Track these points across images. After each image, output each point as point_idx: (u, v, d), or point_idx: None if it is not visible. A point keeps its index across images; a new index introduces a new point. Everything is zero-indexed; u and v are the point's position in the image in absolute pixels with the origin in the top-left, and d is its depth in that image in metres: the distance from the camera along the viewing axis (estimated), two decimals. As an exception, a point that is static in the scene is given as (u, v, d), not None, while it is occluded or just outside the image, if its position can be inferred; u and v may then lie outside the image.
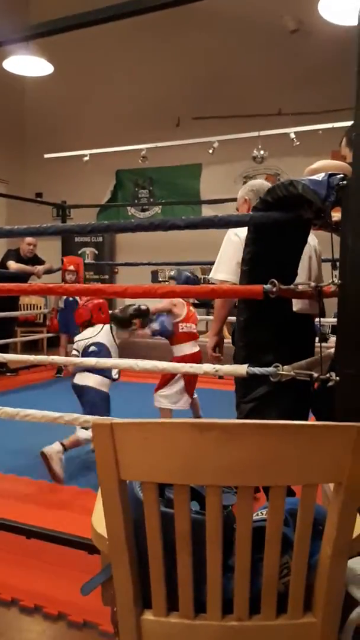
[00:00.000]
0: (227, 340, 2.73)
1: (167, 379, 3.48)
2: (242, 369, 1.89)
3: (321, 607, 1.00)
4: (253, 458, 0.88)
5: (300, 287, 1.85)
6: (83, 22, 2.02)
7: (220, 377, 4.05)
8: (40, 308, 7.61)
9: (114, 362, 2.50)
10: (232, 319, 2.19)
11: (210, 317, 4.96)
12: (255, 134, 5.64)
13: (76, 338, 3.31)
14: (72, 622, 1.81)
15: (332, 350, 1.80)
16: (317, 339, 2.23)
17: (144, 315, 3.52)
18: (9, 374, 5.97)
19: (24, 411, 2.15)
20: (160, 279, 7.47)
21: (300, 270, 2.05)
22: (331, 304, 1.80)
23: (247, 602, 0.99)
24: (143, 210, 8.27)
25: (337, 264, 1.62)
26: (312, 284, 1.86)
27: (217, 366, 2.06)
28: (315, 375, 1.73)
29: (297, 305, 2.23)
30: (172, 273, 3.93)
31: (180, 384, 3.45)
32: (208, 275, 2.96)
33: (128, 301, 4.34)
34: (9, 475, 3.04)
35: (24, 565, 2.14)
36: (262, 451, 0.88)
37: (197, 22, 6.25)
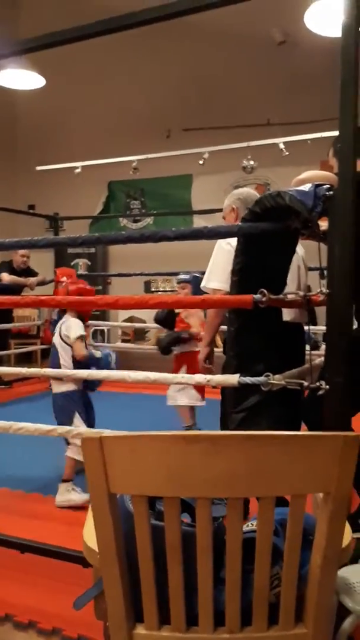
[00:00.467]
0: (218, 349, 2.74)
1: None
2: (234, 378, 1.89)
3: (312, 618, 1.00)
4: (241, 469, 0.89)
5: (289, 296, 1.87)
6: (74, 37, 2.04)
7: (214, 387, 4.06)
8: (34, 320, 7.60)
9: (105, 373, 2.50)
10: (225, 327, 2.20)
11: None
12: (245, 144, 5.68)
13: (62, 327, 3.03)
14: (66, 637, 1.80)
15: (323, 358, 1.81)
16: (307, 347, 2.25)
17: (182, 342, 3.60)
18: (2, 386, 5.94)
19: (17, 424, 2.15)
20: (153, 289, 7.48)
21: (289, 280, 2.07)
22: (324, 312, 1.81)
23: (238, 614, 0.99)
24: (135, 221, 8.29)
25: (325, 272, 1.63)
26: (301, 293, 1.87)
27: (209, 376, 2.07)
28: (306, 384, 1.74)
29: (288, 315, 2.24)
30: (184, 276, 3.88)
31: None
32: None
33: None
34: (2, 488, 3.02)
35: (18, 580, 2.12)
36: (250, 462, 0.89)
37: (186, 35, 6.31)
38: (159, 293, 7.21)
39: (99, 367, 2.89)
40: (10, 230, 7.56)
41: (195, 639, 1.00)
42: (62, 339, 2.96)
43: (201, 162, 5.76)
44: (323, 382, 1.64)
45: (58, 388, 2.94)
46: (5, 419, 2.20)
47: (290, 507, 0.95)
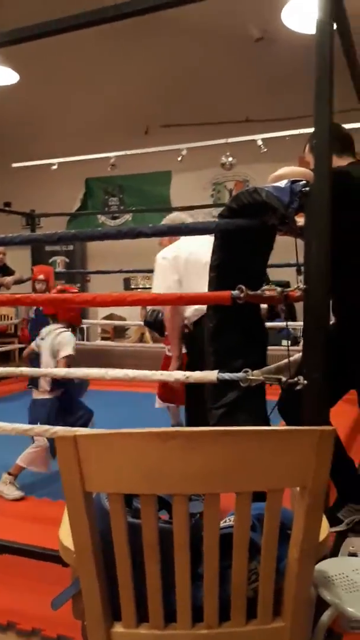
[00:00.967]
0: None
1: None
2: (212, 375, 1.89)
3: (290, 611, 1.00)
4: (217, 465, 0.89)
5: (267, 292, 1.87)
6: (47, 31, 2.01)
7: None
8: (11, 319, 7.52)
9: (84, 372, 2.48)
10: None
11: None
12: (224, 141, 5.69)
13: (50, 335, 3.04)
14: (46, 638, 1.78)
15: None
16: (285, 343, 2.26)
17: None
18: (-21, 386, 5.87)
19: (-7, 424, 2.12)
20: (133, 287, 7.46)
21: None
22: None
23: (216, 609, 0.99)
24: (114, 218, 8.26)
25: (302, 268, 1.64)
26: (279, 289, 1.87)
27: (188, 373, 2.07)
28: (284, 379, 1.74)
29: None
30: None
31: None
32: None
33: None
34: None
35: (-5, 582, 2.09)
36: (226, 458, 0.89)
37: (163, 30, 6.28)
38: (139, 290, 7.19)
39: (73, 389, 2.99)
40: (-14, 227, 7.46)
41: (173, 635, 1.00)
42: (51, 349, 2.97)
43: (179, 158, 5.75)
44: (301, 377, 1.65)
45: (35, 395, 2.98)
46: (-19, 419, 2.17)
47: (267, 502, 0.95)
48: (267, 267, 2.16)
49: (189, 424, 2.67)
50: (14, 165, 6.58)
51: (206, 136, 5.90)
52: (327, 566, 1.29)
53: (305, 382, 1.63)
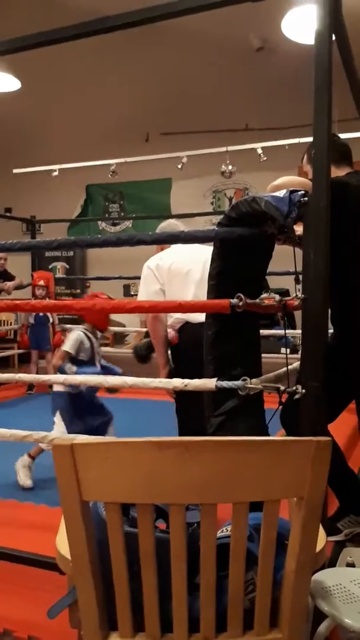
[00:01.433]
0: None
1: None
2: (211, 383, 1.89)
3: (287, 622, 1.00)
4: (214, 475, 0.89)
5: (266, 301, 1.87)
6: (48, 40, 2.03)
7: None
8: (11, 324, 7.51)
9: (83, 378, 2.48)
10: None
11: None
12: (224, 149, 5.71)
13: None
14: (42, 646, 1.77)
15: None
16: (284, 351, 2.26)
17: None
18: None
19: (-9, 431, 2.12)
20: (132, 293, 7.46)
21: None
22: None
23: (213, 620, 0.99)
24: (114, 225, 8.27)
25: (300, 277, 1.65)
26: (277, 297, 1.88)
27: (187, 380, 2.06)
28: (283, 388, 1.75)
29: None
30: None
31: None
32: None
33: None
34: (-23, 496, 2.97)
35: (-8, 589, 2.08)
36: (223, 468, 0.89)
37: (165, 39, 6.32)
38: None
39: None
40: (-14, 233, 7.47)
41: (169, 646, 1.00)
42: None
43: (180, 166, 5.76)
44: (299, 386, 1.65)
45: (55, 388, 3.11)
46: (-20, 425, 2.17)
47: (264, 512, 0.95)
48: (266, 275, 2.17)
49: (180, 429, 2.67)
50: (15, 171, 6.60)
51: (206, 144, 5.92)
52: (324, 576, 1.28)
53: (304, 390, 1.63)
